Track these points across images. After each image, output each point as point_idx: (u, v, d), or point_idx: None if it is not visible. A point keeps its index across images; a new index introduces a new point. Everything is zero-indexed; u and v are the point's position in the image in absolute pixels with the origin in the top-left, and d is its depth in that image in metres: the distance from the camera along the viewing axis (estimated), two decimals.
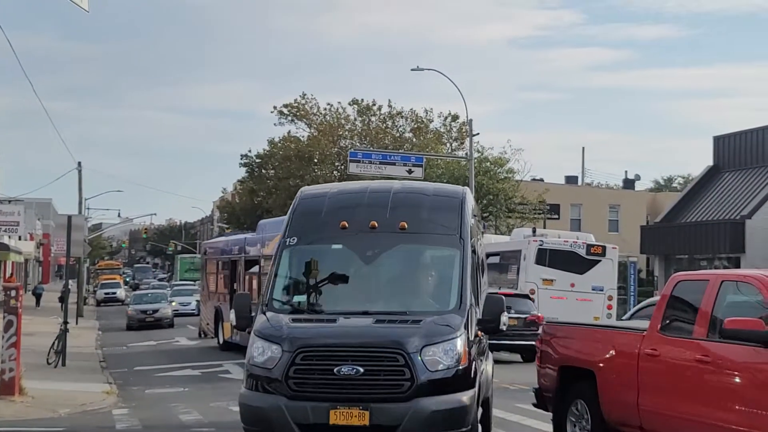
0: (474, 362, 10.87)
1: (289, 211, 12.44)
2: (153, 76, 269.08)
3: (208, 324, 34.68)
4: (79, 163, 61.14)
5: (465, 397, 10.50)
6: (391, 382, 10.28)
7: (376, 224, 11.69)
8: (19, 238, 63.86)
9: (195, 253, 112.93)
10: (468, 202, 12.35)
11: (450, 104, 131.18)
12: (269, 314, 11.19)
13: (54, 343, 26.55)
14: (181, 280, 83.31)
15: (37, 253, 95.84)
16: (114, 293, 75.20)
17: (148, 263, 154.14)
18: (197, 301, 53.67)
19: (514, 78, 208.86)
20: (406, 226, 11.68)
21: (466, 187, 13.10)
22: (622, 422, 11.46)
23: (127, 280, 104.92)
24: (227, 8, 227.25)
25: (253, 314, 11.54)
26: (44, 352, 26.44)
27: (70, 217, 28.90)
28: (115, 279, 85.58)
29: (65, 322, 27.40)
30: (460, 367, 10.49)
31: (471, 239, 11.89)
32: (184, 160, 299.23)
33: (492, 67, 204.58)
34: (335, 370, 10.28)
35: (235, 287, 30.80)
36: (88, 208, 74.20)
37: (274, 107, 65.32)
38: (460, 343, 10.55)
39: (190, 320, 50.06)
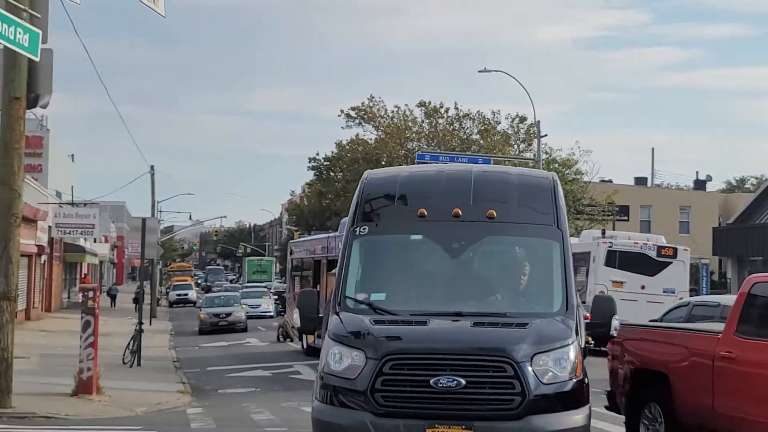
0: (586, 374, 9.44)
1: (354, 197, 10.85)
2: (220, 80, 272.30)
3: (293, 327, 33.70)
4: (152, 167, 62.34)
5: (581, 415, 9.10)
6: (498, 396, 8.77)
7: (460, 212, 10.14)
8: (95, 241, 65.13)
9: (264, 255, 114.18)
10: (560, 188, 10.76)
11: (517, 106, 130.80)
12: (344, 315, 9.63)
13: (129, 343, 27.05)
14: (248, 281, 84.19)
15: (111, 255, 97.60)
16: (186, 295, 76.28)
17: (218, 265, 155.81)
18: (275, 302, 53.64)
19: (581, 79, 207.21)
20: (494, 214, 10.12)
21: (553, 172, 11.64)
22: (698, 426, 11.35)
23: (199, 282, 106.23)
24: (293, 13, 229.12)
25: (321, 315, 10.27)
26: (120, 352, 26.96)
27: (144, 220, 29.47)
28: (186, 281, 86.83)
29: (140, 323, 27.90)
30: (575, 380, 9.05)
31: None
32: (253, 164, 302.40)
33: (558, 68, 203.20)
34: (432, 381, 8.72)
35: (318, 289, 29.96)
36: (161, 211, 75.47)
37: (342, 110, 65.50)
38: (573, 352, 9.12)
39: (260, 322, 50.45)
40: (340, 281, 10.06)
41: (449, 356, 8.84)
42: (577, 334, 9.34)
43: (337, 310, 9.75)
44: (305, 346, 30.75)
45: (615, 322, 9.84)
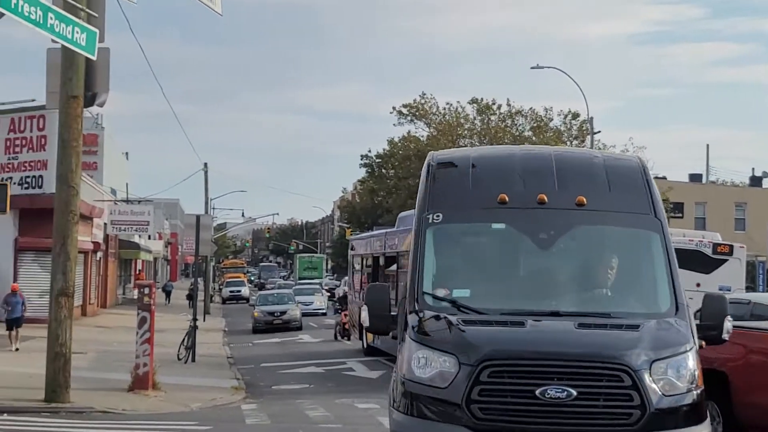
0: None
1: (422, 180, 9.73)
2: (271, 79, 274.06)
3: (354, 325, 33.31)
4: (206, 164, 62.69)
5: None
6: (614, 409, 7.70)
7: (546, 198, 9.05)
8: (149, 237, 65.81)
9: (315, 252, 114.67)
10: (650, 172, 9.69)
11: (570, 102, 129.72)
12: (425, 314, 8.50)
13: (184, 339, 27.29)
14: (300, 278, 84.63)
15: (165, 252, 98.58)
16: (239, 291, 76.82)
17: (271, 261, 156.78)
18: (333, 301, 53.14)
19: (634, 74, 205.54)
20: (584, 201, 9.04)
21: (638, 155, 10.24)
22: (757, 425, 11.21)
23: (252, 279, 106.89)
24: (342, 11, 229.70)
25: (393, 313, 9.06)
26: (174, 349, 27.21)
27: (198, 217, 29.70)
28: (239, 277, 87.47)
29: (194, 319, 28.14)
30: (696, 391, 8.01)
31: None
32: (305, 161, 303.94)
33: (611, 63, 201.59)
34: (538, 392, 7.67)
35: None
36: (214, 208, 75.96)
37: (393, 107, 65.52)
38: (692, 359, 8.10)
39: (312, 320, 50.47)
40: (415, 275, 8.88)
41: (556, 363, 7.79)
42: (693, 338, 8.33)
43: (416, 308, 8.61)
44: (365, 346, 30.10)
45: (727, 324, 8.75)
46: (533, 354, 7.86)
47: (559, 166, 9.50)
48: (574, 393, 7.64)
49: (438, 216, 9.16)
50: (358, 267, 34.02)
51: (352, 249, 35.76)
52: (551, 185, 9.22)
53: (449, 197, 9.36)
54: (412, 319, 8.49)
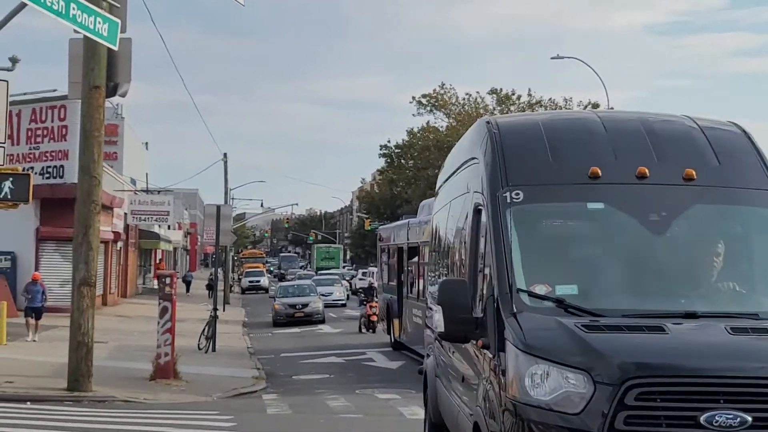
0: None
1: (484, 151, 8.09)
2: (291, 69, 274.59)
3: (383, 318, 32.07)
4: (225, 155, 62.78)
5: None
6: None
7: (647, 171, 7.53)
8: (169, 227, 66.03)
9: (334, 242, 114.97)
10: (757, 142, 8.26)
11: (590, 92, 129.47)
12: (528, 317, 6.81)
13: (204, 329, 27.33)
14: (317, 268, 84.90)
15: (184, 242, 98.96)
16: (258, 281, 77.07)
17: (290, 252, 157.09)
18: (359, 292, 52.60)
19: (653, 65, 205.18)
20: (694, 174, 7.56)
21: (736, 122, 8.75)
22: None
23: (272, 269, 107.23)
24: (362, 3, 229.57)
25: (478, 315, 7.38)
26: (195, 338, 27.25)
27: (219, 207, 29.72)
28: (258, 267, 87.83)
29: (215, 309, 28.19)
30: None
31: None
32: (324, 151, 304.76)
33: (631, 53, 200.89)
34: (703, 418, 6.13)
35: (402, 279, 28.21)
36: (233, 198, 76.09)
37: (413, 97, 65.42)
38: None
39: (332, 310, 50.42)
40: (503, 268, 7.16)
41: (723, 381, 6.26)
42: None
43: (513, 309, 6.91)
44: (392, 340, 29.26)
45: None
46: (692, 369, 6.33)
47: (651, 133, 7.96)
48: (749, 419, 6.15)
49: (518, 194, 7.51)
50: (384, 259, 32.69)
51: (380, 240, 34.02)
52: (649, 156, 7.69)
53: (527, 171, 7.74)
54: (512, 324, 6.80)
